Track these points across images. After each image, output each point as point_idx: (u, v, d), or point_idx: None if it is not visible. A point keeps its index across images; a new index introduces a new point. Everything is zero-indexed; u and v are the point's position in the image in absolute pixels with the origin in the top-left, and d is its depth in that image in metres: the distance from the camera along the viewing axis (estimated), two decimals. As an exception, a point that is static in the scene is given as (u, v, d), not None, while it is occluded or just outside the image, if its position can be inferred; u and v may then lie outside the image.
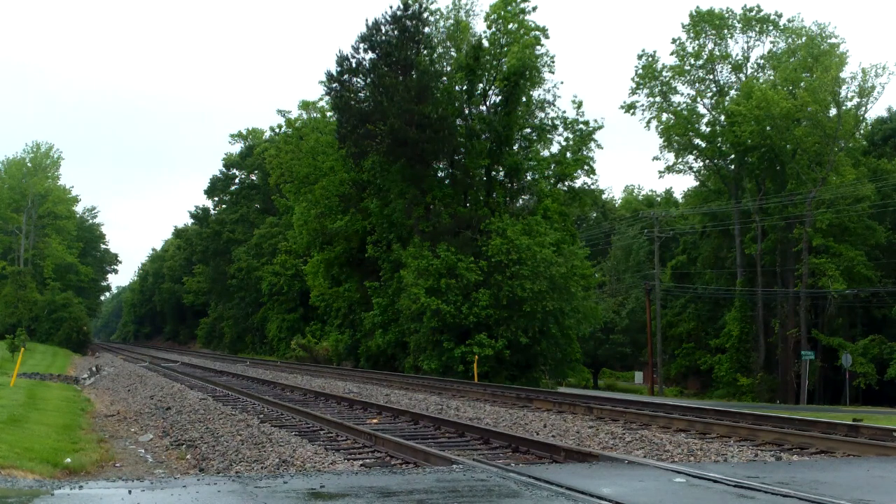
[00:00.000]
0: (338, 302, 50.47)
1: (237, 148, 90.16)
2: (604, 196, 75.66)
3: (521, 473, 7.85)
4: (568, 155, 44.37)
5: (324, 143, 47.53)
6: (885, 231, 51.25)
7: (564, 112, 46.11)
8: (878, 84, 49.63)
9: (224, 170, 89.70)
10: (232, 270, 78.75)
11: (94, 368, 36.80)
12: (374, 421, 15.31)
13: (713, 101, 56.45)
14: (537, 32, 42.49)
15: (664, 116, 56.81)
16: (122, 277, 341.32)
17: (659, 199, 79.97)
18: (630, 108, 57.14)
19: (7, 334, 51.26)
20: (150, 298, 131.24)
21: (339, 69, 41.91)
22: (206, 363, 46.44)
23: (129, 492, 6.50)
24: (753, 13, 55.21)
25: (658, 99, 57.04)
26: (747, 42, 56.13)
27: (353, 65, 41.71)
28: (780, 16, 55.03)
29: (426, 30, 41.56)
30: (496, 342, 35.47)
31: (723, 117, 54.53)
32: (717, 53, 56.26)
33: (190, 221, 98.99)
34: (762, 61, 56.19)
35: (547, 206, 41.76)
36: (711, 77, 56.92)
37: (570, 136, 44.46)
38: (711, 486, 7.30)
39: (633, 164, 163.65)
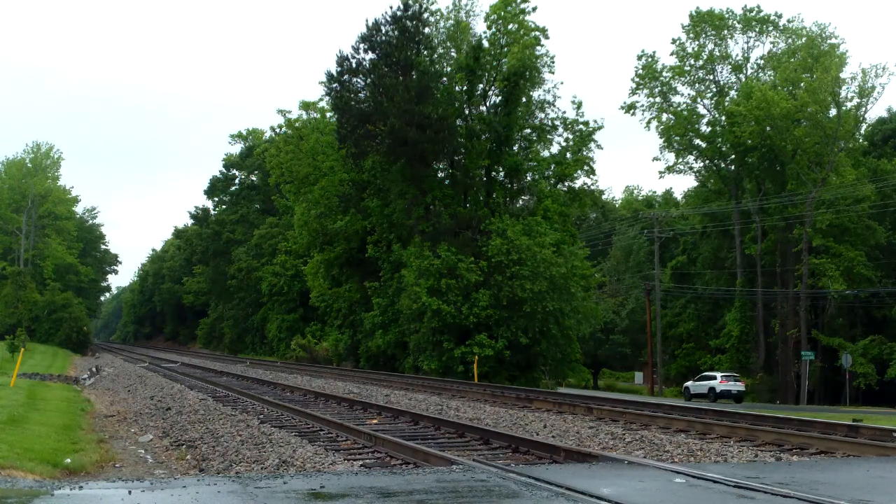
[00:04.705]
0: (338, 302, 50.47)
1: (237, 148, 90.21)
2: (604, 196, 75.59)
3: (521, 474, 7.83)
4: (568, 155, 44.40)
5: (324, 143, 47.55)
6: (885, 231, 51.22)
7: (564, 112, 46.23)
8: (878, 84, 49.81)
9: (224, 170, 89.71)
10: (232, 271, 78.69)
11: (94, 369, 36.80)
12: (374, 421, 15.31)
13: (713, 101, 56.50)
14: (537, 33, 42.53)
15: (664, 117, 56.92)
16: (122, 278, 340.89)
17: (659, 199, 79.92)
18: (630, 108, 57.22)
19: (7, 335, 51.19)
20: (150, 299, 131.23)
21: (339, 69, 41.97)
22: (206, 364, 46.39)
23: (129, 492, 6.49)
24: (753, 13, 55.28)
25: (658, 99, 57.15)
26: (747, 42, 56.30)
27: (354, 65, 41.75)
28: (780, 16, 55.25)
29: (426, 30, 41.62)
30: (496, 342, 35.47)
31: (723, 118, 54.54)
32: (717, 54, 56.33)
33: (190, 222, 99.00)
34: (762, 62, 56.28)
35: (547, 206, 41.77)
36: (711, 77, 57.00)
37: (570, 136, 44.54)
38: (711, 486, 7.29)
39: (633, 164, 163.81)
